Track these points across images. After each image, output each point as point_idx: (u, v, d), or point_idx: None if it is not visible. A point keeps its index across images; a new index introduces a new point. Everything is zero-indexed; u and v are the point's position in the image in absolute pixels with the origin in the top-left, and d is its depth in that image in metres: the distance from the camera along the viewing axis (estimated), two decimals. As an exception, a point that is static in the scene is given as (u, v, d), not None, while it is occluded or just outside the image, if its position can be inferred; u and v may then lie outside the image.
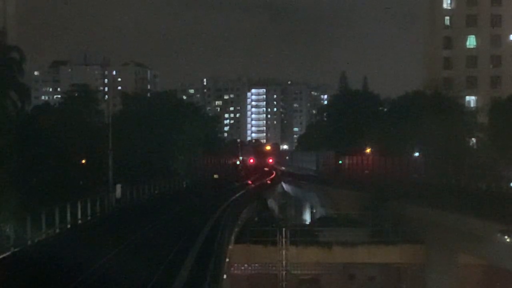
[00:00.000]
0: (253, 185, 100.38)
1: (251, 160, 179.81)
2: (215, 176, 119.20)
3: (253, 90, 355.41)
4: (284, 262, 62.99)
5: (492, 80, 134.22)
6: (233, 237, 54.06)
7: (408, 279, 66.05)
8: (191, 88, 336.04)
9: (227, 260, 43.53)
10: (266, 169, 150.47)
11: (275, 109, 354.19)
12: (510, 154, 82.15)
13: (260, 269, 66.35)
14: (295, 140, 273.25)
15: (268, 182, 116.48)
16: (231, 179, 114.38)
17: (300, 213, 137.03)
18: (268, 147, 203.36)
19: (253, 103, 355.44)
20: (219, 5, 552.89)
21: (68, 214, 42.15)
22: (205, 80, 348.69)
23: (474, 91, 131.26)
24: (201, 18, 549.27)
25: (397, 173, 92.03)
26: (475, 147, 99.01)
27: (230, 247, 48.99)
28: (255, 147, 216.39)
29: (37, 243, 36.14)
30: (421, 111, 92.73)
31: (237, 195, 74.01)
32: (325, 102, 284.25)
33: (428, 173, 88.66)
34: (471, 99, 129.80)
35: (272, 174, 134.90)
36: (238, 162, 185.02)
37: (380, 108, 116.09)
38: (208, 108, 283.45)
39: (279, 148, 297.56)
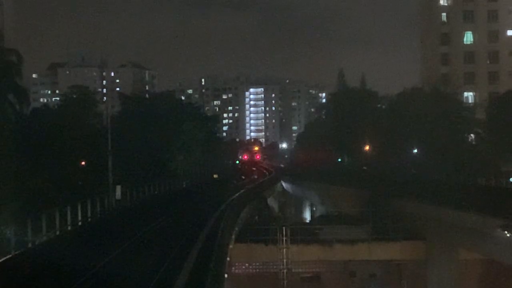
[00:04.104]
0: (249, 183, 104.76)
1: (245, 157, 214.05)
2: (215, 176, 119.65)
3: (251, 89, 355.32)
4: (285, 261, 63.06)
5: (490, 75, 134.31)
6: (233, 237, 54.12)
7: (409, 275, 66.11)
8: (189, 88, 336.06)
9: (228, 259, 43.58)
10: (254, 169, 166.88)
11: (273, 108, 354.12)
12: (508, 150, 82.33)
13: (261, 268, 66.39)
14: (294, 139, 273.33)
15: (256, 177, 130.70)
16: (230, 178, 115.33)
17: (300, 211, 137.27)
18: (256, 148, 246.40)
19: (252, 102, 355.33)
20: (215, 5, 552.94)
21: (69, 216, 42.16)
22: (203, 80, 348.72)
23: (472, 87, 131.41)
24: (199, 18, 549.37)
25: (396, 170, 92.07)
26: (473, 142, 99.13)
27: (230, 246, 49.05)
28: (249, 146, 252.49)
29: (38, 245, 36.15)
30: (420, 107, 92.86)
31: (236, 194, 74.05)
32: (324, 100, 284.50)
33: (427, 169, 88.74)
34: (469, 95, 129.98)
35: (263, 173, 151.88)
36: (237, 162, 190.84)
37: (379, 105, 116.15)
38: (207, 108, 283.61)
39: (278, 147, 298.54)
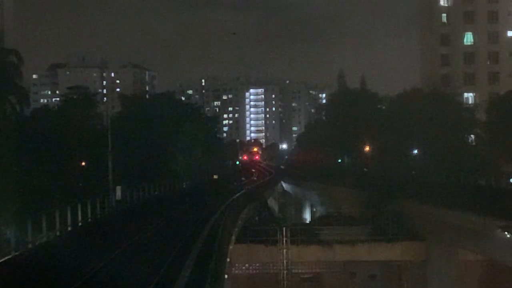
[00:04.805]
0: (249, 184, 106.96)
1: (245, 157, 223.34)
2: (215, 176, 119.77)
3: (252, 90, 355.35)
4: (285, 261, 63.11)
5: (490, 76, 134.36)
6: (233, 237, 54.14)
7: (409, 276, 66.14)
8: (189, 89, 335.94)
9: (228, 260, 43.61)
10: (253, 170, 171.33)
11: (273, 109, 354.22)
12: (508, 150, 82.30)
13: (261, 268, 66.44)
14: (295, 140, 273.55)
15: (255, 178, 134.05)
16: (230, 179, 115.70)
17: (300, 212, 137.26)
18: (255, 149, 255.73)
19: (252, 103, 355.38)
20: (215, 5, 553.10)
21: (69, 217, 42.14)
22: (203, 80, 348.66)
23: (472, 88, 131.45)
24: (199, 18, 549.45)
25: (396, 170, 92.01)
26: (473, 143, 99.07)
27: (230, 247, 49.07)
28: (249, 146, 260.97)
29: (38, 246, 36.14)
30: (420, 108, 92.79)
31: (236, 195, 74.07)
32: (324, 101, 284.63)
33: (427, 170, 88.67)
34: (469, 96, 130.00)
35: (263, 174, 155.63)
36: (238, 162, 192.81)
37: (379, 106, 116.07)
38: (207, 108, 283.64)
39: (278, 147, 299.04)
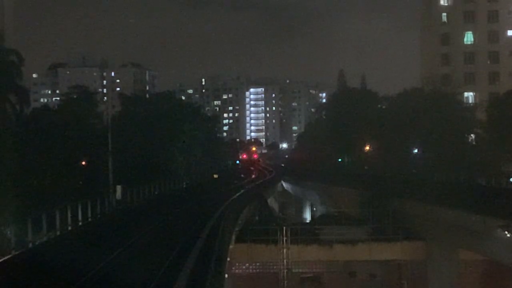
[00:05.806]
0: (248, 184, 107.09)
1: (244, 156, 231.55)
2: (215, 176, 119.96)
3: (252, 90, 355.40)
4: (285, 261, 63.07)
5: (490, 76, 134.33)
6: (234, 237, 54.15)
7: (409, 275, 66.13)
8: (189, 89, 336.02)
9: (228, 259, 43.61)
10: (252, 168, 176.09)
11: (273, 108, 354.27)
12: (508, 150, 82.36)
13: (261, 268, 66.40)
14: (295, 139, 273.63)
15: (254, 177, 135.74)
16: (230, 178, 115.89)
17: (301, 212, 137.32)
18: (254, 148, 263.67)
19: (252, 102, 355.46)
20: (215, 3, 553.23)
21: (69, 216, 42.16)
22: (203, 80, 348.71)
23: (472, 87, 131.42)
24: (199, 18, 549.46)
25: (396, 170, 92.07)
26: (473, 143, 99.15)
27: (231, 246, 49.07)
28: (248, 145, 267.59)
29: (38, 245, 36.17)
30: (420, 108, 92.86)
31: (236, 194, 74.10)
32: (324, 101, 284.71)
33: (427, 169, 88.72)
34: (469, 95, 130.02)
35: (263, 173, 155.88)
36: (238, 162, 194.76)
37: (379, 106, 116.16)
38: (207, 108, 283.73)
39: (278, 147, 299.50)
